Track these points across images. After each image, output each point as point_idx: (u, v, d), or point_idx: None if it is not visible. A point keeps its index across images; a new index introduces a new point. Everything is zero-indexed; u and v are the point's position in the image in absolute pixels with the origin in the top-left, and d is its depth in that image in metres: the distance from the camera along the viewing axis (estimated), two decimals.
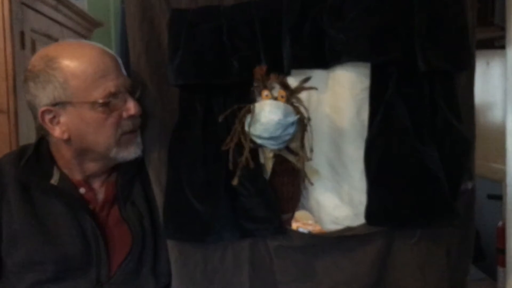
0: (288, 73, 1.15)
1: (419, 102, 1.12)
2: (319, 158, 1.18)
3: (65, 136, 1.16)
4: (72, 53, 1.15)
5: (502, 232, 1.36)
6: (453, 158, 1.13)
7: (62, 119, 1.15)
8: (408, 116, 1.11)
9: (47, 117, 1.15)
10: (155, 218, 1.26)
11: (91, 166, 1.23)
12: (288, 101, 1.09)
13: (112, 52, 1.21)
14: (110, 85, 1.14)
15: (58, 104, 1.14)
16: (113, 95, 1.14)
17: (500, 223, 1.42)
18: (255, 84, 1.11)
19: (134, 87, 1.20)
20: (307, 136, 1.12)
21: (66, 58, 1.14)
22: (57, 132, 1.16)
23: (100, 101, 1.13)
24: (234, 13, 1.18)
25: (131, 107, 1.16)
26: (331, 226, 1.20)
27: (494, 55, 1.82)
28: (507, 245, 1.27)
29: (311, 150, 1.12)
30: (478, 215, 1.27)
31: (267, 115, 1.05)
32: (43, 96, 1.14)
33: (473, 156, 1.18)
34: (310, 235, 1.25)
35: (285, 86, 1.09)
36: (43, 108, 1.14)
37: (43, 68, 1.14)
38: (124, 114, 1.16)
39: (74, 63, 1.13)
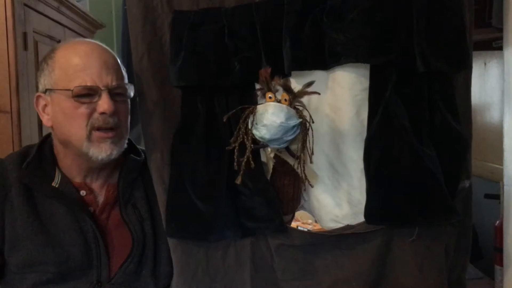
0: (288, 74, 1.16)
1: (417, 102, 1.13)
2: (319, 158, 1.19)
3: (49, 123, 1.21)
4: (68, 46, 1.21)
5: (499, 231, 1.37)
6: (451, 157, 1.14)
7: (49, 107, 1.20)
8: (407, 116, 1.12)
9: (41, 103, 1.22)
10: (156, 220, 1.27)
11: (80, 163, 1.22)
12: (291, 104, 1.09)
13: (112, 53, 1.21)
14: (87, 79, 1.15)
15: (46, 91, 1.20)
16: (89, 88, 1.15)
17: (497, 222, 1.43)
18: (259, 86, 1.12)
19: (127, 89, 1.21)
20: (308, 139, 1.12)
21: (61, 50, 1.20)
22: (45, 119, 1.22)
23: (74, 90, 1.14)
24: (235, 15, 1.19)
25: (103, 104, 1.15)
26: (331, 224, 1.21)
27: (491, 56, 1.82)
28: (505, 244, 1.28)
29: (312, 153, 1.13)
30: (475, 214, 1.27)
31: (270, 117, 1.05)
32: (40, 83, 1.21)
33: (470, 155, 1.19)
34: (311, 234, 1.26)
35: (288, 90, 1.09)
36: (37, 94, 1.22)
37: (44, 58, 1.22)
38: (97, 110, 1.16)
39: (65, 54, 1.19)
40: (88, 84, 1.15)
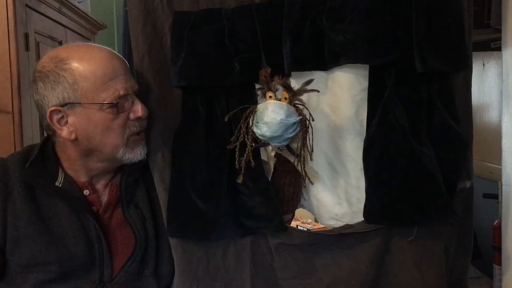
0: (288, 75, 1.17)
1: (416, 102, 1.13)
2: (319, 157, 1.20)
3: (73, 136, 1.17)
4: (81, 55, 1.15)
5: (498, 230, 1.37)
6: (450, 158, 1.14)
7: (70, 119, 1.15)
8: (406, 116, 1.12)
9: (56, 117, 1.15)
10: (158, 220, 1.27)
11: (97, 167, 1.23)
12: (291, 102, 1.11)
13: (120, 55, 1.21)
14: (119, 87, 1.15)
15: (67, 105, 1.14)
16: (122, 97, 1.15)
17: (496, 222, 1.43)
18: (260, 86, 1.13)
19: (139, 89, 1.21)
20: (308, 137, 1.13)
21: (76, 60, 1.14)
22: (64, 132, 1.16)
23: (109, 102, 1.14)
24: (235, 16, 1.20)
25: (139, 109, 1.17)
26: (331, 222, 1.22)
27: (490, 57, 1.83)
28: (503, 243, 1.28)
29: (312, 151, 1.14)
30: (474, 214, 1.27)
31: (270, 114, 1.07)
32: (52, 96, 1.14)
33: (471, 155, 1.19)
34: (310, 233, 1.26)
35: (287, 88, 1.10)
36: (51, 108, 1.14)
37: (53, 69, 1.14)
38: (132, 116, 1.17)
39: (84, 65, 1.14)
40: (122, 93, 1.15)
